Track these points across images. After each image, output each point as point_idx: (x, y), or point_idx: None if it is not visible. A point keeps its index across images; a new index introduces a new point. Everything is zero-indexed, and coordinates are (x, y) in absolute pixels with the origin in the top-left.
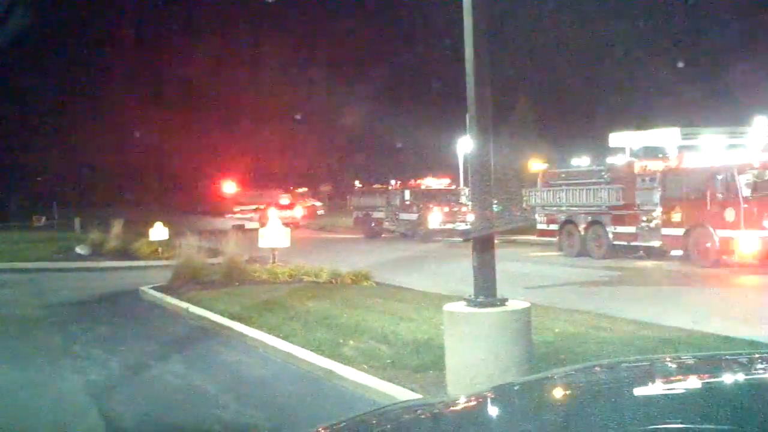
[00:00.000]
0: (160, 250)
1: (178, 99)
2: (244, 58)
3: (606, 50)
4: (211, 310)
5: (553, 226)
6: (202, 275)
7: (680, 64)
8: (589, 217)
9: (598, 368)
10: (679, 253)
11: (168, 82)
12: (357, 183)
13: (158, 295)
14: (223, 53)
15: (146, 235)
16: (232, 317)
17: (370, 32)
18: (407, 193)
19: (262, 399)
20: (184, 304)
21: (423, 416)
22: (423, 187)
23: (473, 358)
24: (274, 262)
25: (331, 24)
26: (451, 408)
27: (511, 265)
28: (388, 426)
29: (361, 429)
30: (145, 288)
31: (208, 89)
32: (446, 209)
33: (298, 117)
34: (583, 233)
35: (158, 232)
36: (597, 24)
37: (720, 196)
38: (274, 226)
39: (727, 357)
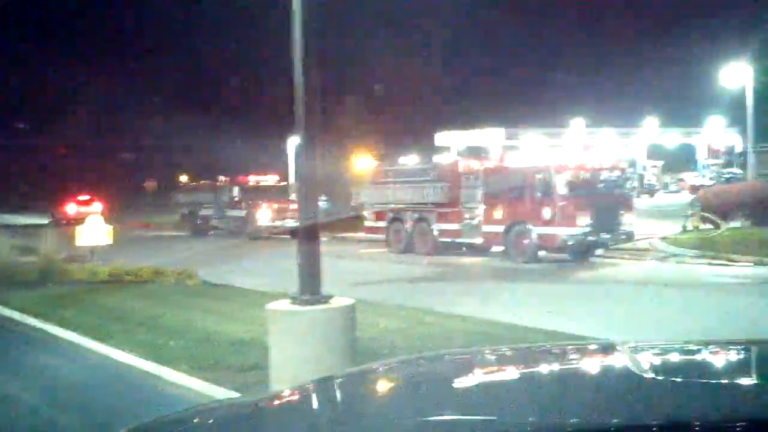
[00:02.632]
0: None
1: None
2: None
3: (432, 51)
4: (22, 311)
5: (381, 223)
6: (14, 275)
7: (504, 68)
8: (416, 215)
9: (414, 360)
10: (500, 249)
11: None
12: (183, 178)
13: None
14: None
15: None
16: (46, 319)
17: (199, 27)
18: (235, 190)
19: (76, 403)
20: None
21: (235, 413)
22: (251, 183)
23: (297, 356)
24: (93, 261)
25: (149, 18)
26: (265, 403)
27: (339, 262)
28: (193, 423)
29: (160, 428)
30: None
31: None
32: (275, 206)
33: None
34: (409, 230)
35: None
36: (422, 25)
37: (538, 194)
38: (93, 224)
39: (540, 348)
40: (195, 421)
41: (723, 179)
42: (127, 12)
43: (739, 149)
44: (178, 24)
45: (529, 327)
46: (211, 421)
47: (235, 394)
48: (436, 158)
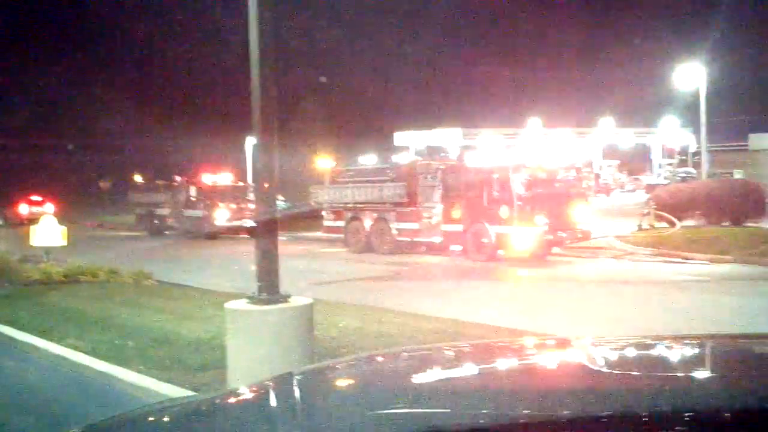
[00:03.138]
0: None
1: None
2: None
3: (392, 52)
4: None
5: (340, 223)
6: None
7: (462, 68)
8: (375, 214)
9: (370, 357)
10: (458, 248)
11: None
12: (138, 178)
13: None
14: None
15: None
16: None
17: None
18: (192, 189)
19: (30, 405)
20: None
21: (189, 410)
22: (208, 183)
23: (255, 356)
24: (48, 262)
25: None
26: (220, 401)
27: (298, 261)
28: (147, 421)
29: (113, 427)
30: None
31: None
32: (233, 206)
33: None
34: (368, 229)
35: None
36: (381, 26)
37: (496, 194)
38: (46, 224)
39: (495, 344)
40: (149, 419)
41: (678, 178)
42: (82, 7)
43: (693, 149)
44: (134, 21)
45: (488, 325)
46: (165, 418)
47: (192, 394)
48: (395, 158)
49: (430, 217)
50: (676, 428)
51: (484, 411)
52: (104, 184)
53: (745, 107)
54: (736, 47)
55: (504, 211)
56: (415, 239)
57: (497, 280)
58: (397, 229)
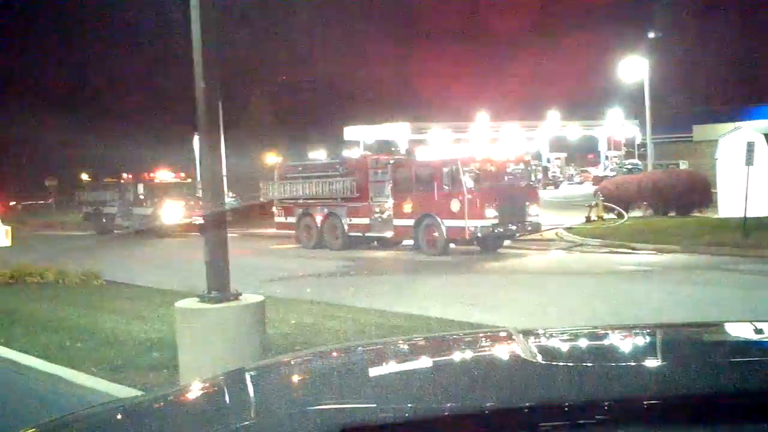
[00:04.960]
0: None
1: None
2: None
3: (341, 48)
4: None
5: (291, 219)
6: None
7: (410, 63)
8: (326, 209)
9: (320, 353)
10: (410, 242)
11: None
12: (85, 176)
13: None
14: None
15: None
16: None
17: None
18: (140, 187)
19: None
20: None
21: (139, 408)
22: (157, 180)
23: (207, 355)
24: None
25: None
26: (170, 398)
27: (249, 258)
28: (95, 420)
29: (61, 427)
30: None
31: None
32: (182, 203)
33: None
34: (320, 225)
35: None
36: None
37: (446, 187)
38: None
39: (442, 337)
40: (100, 417)
41: (624, 170)
42: (27, 3)
43: (639, 140)
44: (79, 16)
45: (440, 318)
46: (117, 416)
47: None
48: (345, 153)
49: (381, 212)
50: (597, 417)
51: (410, 404)
52: (51, 183)
53: (690, 99)
54: (679, 39)
55: (454, 205)
56: (367, 234)
57: (449, 273)
58: (348, 225)
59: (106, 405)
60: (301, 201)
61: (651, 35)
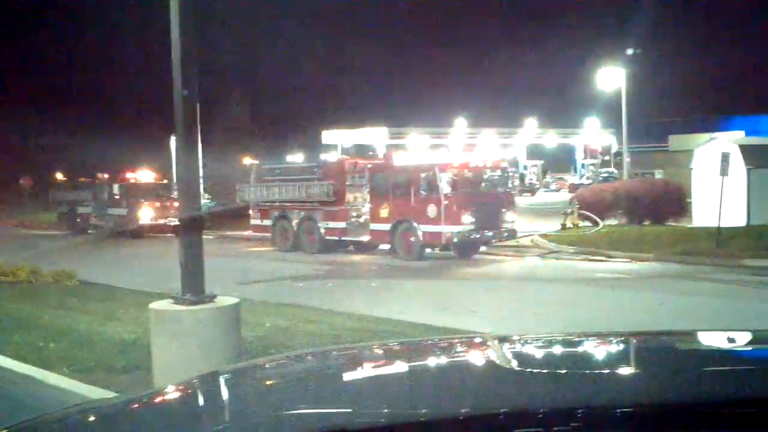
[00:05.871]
0: None
1: None
2: None
3: (320, 52)
4: None
5: (267, 222)
6: None
7: (389, 68)
8: (302, 213)
9: (295, 356)
10: (386, 247)
11: None
12: (58, 176)
13: None
14: None
15: None
16: None
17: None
18: (116, 188)
19: None
20: None
21: (113, 410)
22: (132, 181)
23: (181, 357)
24: None
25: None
26: (143, 401)
27: (224, 260)
28: (68, 422)
29: (34, 428)
30: None
31: None
32: (158, 204)
33: None
34: (296, 228)
35: None
36: (308, 25)
37: (423, 193)
38: None
39: (416, 342)
40: (72, 419)
41: (600, 178)
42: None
43: (615, 149)
44: (55, 17)
45: (414, 323)
46: (90, 418)
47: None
48: (323, 156)
49: (357, 216)
50: (572, 424)
51: (385, 409)
52: (25, 182)
53: (666, 109)
54: (656, 50)
55: (431, 210)
56: (343, 238)
57: (425, 278)
58: (324, 228)
59: (78, 407)
60: (277, 204)
61: (629, 51)
